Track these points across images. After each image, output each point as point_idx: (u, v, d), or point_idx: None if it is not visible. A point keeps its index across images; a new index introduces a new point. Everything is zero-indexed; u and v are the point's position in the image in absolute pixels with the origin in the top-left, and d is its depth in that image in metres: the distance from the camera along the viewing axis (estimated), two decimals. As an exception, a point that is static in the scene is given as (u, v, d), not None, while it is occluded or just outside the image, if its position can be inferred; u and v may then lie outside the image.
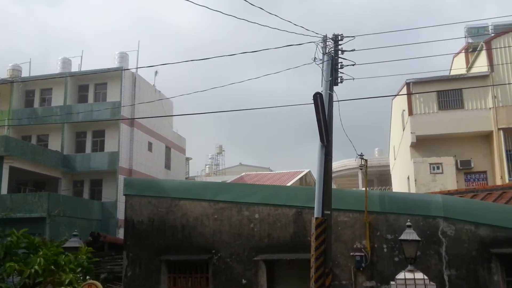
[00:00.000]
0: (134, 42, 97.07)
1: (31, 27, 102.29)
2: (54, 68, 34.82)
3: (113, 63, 33.67)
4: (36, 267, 7.92)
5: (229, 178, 38.51)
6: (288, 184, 25.49)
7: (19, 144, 28.01)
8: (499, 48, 23.17)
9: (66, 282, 8.17)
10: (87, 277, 9.22)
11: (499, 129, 22.67)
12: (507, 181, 21.18)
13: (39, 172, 28.89)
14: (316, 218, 9.21)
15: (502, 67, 23.10)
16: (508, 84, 22.80)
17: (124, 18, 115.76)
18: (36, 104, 33.44)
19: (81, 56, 37.00)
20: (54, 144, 31.79)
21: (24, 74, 34.56)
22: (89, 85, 33.09)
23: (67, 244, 10.95)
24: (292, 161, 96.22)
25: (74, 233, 11.76)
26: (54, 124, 31.37)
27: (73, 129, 32.43)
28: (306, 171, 31.21)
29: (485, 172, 23.23)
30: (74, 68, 34.31)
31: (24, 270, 7.91)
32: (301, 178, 29.71)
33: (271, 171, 44.82)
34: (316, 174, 9.79)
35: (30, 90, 33.76)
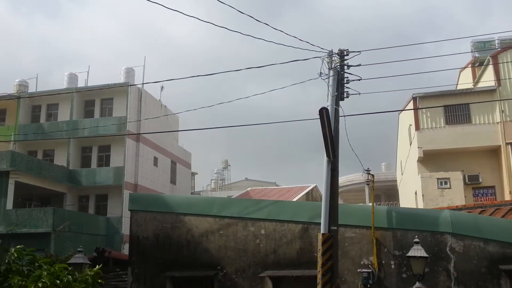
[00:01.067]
0: (137, 55, 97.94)
1: (33, 40, 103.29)
2: (57, 82, 35.19)
3: (119, 79, 33.90)
4: (40, 284, 7.82)
5: (234, 193, 38.40)
6: (294, 199, 25.34)
7: (25, 159, 28.11)
8: (506, 62, 23.11)
9: None
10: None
11: (507, 143, 22.49)
12: (515, 196, 20.94)
13: (45, 187, 28.93)
14: (323, 234, 9.10)
15: (509, 82, 23.01)
16: (516, 98, 22.70)
17: (125, 32, 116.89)
18: (43, 119, 33.65)
19: (88, 72, 37.13)
20: (60, 159, 31.90)
21: (31, 89, 34.85)
22: (95, 100, 33.30)
23: (72, 260, 10.86)
24: (298, 175, 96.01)
25: (79, 249, 11.69)
26: (60, 139, 31.53)
27: (79, 144, 32.54)
28: (312, 186, 31.06)
29: (493, 187, 23.00)
30: (81, 83, 34.60)
31: (28, 285, 7.82)
32: (307, 193, 29.54)
33: (277, 186, 44.68)
34: (322, 189, 9.70)
35: (37, 106, 34.00)
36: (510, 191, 22.00)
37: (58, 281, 8.01)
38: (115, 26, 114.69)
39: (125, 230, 27.50)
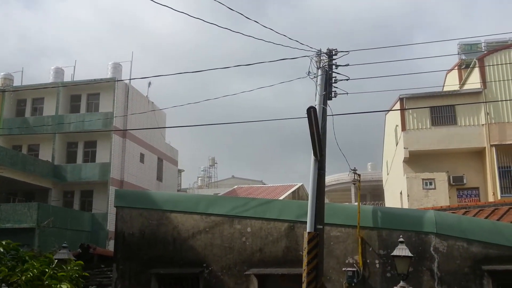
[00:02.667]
0: (117, 48, 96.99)
1: (10, 31, 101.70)
2: (42, 76, 34.83)
3: (106, 74, 33.64)
4: (23, 277, 7.76)
5: (221, 191, 38.39)
6: (281, 198, 25.40)
7: (10, 154, 27.77)
8: (492, 65, 23.39)
9: None
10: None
11: (491, 145, 22.80)
12: (499, 197, 21.23)
13: (29, 182, 28.63)
14: (309, 233, 9.14)
15: (494, 84, 23.31)
16: (501, 101, 23.00)
17: (105, 24, 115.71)
18: (28, 113, 33.27)
19: (74, 66, 36.82)
20: (45, 154, 31.58)
21: (16, 83, 34.43)
22: (81, 95, 33.02)
23: (56, 256, 10.76)
24: (284, 174, 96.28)
25: (64, 244, 11.59)
26: (46, 134, 31.19)
27: (64, 139, 32.23)
28: (299, 185, 31.17)
29: (477, 188, 23.30)
30: (67, 78, 34.26)
31: (13, 276, 7.74)
32: (293, 192, 29.64)
33: (264, 184, 44.74)
34: (309, 188, 9.74)
35: (22, 99, 33.61)
36: (493, 193, 22.30)
37: (43, 276, 7.96)
38: (95, 19, 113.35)
39: (111, 226, 27.34)
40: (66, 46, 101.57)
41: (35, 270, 7.76)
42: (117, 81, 31.28)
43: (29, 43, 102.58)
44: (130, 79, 31.87)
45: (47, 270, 7.90)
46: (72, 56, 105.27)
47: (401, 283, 8.86)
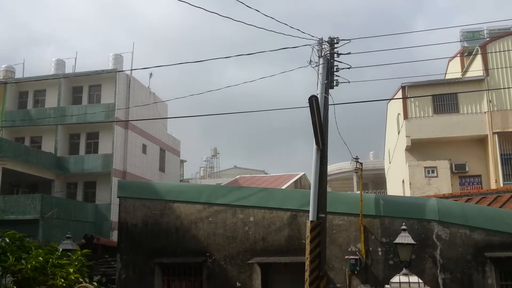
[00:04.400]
0: (106, 33, 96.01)
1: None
2: (43, 68, 34.79)
3: (107, 65, 33.57)
4: (29, 265, 7.85)
5: (224, 181, 38.45)
6: (283, 187, 25.45)
7: (12, 146, 27.84)
8: (494, 52, 23.25)
9: (62, 283, 8.06)
10: (80, 279, 9.13)
11: (494, 133, 22.73)
12: (501, 185, 21.21)
13: (32, 174, 28.72)
14: (311, 221, 9.18)
15: (497, 72, 23.18)
16: (503, 88, 22.89)
17: (102, 14, 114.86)
18: (30, 105, 33.29)
19: (75, 58, 36.73)
20: (48, 146, 31.63)
21: (18, 75, 34.39)
22: (83, 86, 32.98)
23: (60, 246, 10.84)
24: (286, 162, 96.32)
25: (67, 235, 11.67)
26: (48, 126, 31.24)
27: (66, 131, 32.27)
28: (301, 174, 31.20)
29: (479, 176, 23.27)
30: (68, 70, 34.23)
31: (16, 266, 7.83)
32: (296, 181, 29.68)
33: (266, 173, 44.79)
34: (311, 177, 9.76)
35: (24, 92, 33.60)
36: (496, 180, 22.28)
37: (47, 264, 8.04)
38: (89, 7, 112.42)
39: (114, 217, 27.45)
40: (55, 33, 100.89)
41: (40, 258, 7.84)
42: (118, 71, 31.21)
43: (18, 30, 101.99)
44: (131, 69, 31.87)
45: (51, 258, 7.98)
46: (60, 43, 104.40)
47: (404, 271, 8.91)
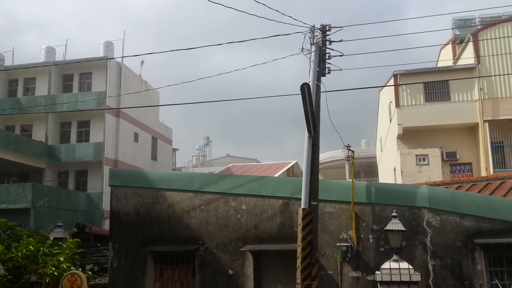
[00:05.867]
0: (90, 20, 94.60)
1: None
2: (33, 56, 34.34)
3: (98, 53, 33.28)
4: (19, 253, 7.83)
5: (216, 169, 38.46)
6: (276, 175, 25.50)
7: (3, 134, 27.61)
8: (486, 40, 23.30)
9: (53, 271, 8.05)
10: (72, 268, 9.13)
11: (484, 121, 22.86)
12: (491, 172, 21.40)
13: (23, 163, 28.55)
14: (303, 209, 9.21)
15: (488, 59, 23.26)
16: (494, 76, 22.98)
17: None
18: (20, 93, 32.98)
19: (66, 45, 36.34)
20: (38, 134, 31.42)
21: (7, 63, 34.01)
22: (73, 74, 32.71)
23: (52, 235, 10.81)
24: (279, 152, 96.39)
25: (59, 223, 11.62)
26: (38, 114, 31.00)
27: (57, 119, 32.04)
28: (293, 162, 31.28)
29: (470, 163, 23.45)
30: (58, 58, 33.87)
31: (6, 254, 7.81)
32: (288, 169, 29.76)
33: (258, 162, 44.84)
34: (303, 165, 9.77)
35: (13, 80, 33.26)
36: (486, 168, 22.46)
37: (38, 252, 8.02)
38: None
39: (106, 206, 27.39)
40: (38, 19, 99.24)
41: (31, 247, 7.82)
42: (109, 59, 30.95)
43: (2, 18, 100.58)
44: (122, 57, 31.63)
45: (42, 247, 7.96)
46: (44, 29, 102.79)
47: (394, 257, 8.98)
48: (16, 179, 29.95)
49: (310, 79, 10.04)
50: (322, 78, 10.33)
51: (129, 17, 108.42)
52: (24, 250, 7.93)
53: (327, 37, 10.49)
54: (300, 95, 9.12)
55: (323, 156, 43.36)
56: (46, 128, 31.12)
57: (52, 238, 9.31)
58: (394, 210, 9.65)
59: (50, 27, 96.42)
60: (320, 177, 10.93)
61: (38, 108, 30.68)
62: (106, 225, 23.92)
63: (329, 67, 10.55)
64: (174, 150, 43.99)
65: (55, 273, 8.21)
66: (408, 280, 8.64)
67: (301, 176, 9.79)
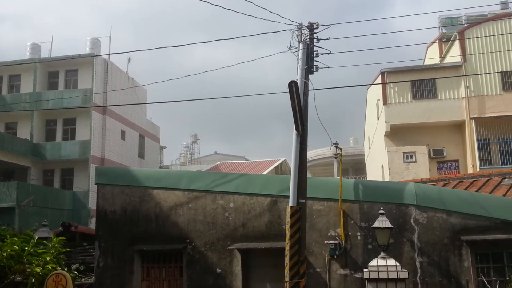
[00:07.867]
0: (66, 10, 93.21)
1: None
2: (18, 52, 33.84)
3: (84, 49, 32.95)
4: (4, 253, 7.70)
5: (204, 167, 38.35)
6: (264, 173, 25.49)
7: (-13, 132, 27.21)
8: (472, 38, 23.49)
9: (39, 271, 7.93)
10: (57, 268, 9.00)
11: (471, 118, 23.07)
12: (478, 169, 21.60)
13: (8, 161, 28.16)
14: (291, 207, 9.18)
15: (474, 57, 23.45)
16: (480, 74, 23.18)
17: None
18: (4, 91, 32.51)
19: (51, 42, 35.89)
20: (23, 132, 31.01)
21: (-9, 60, 33.51)
22: (59, 71, 32.31)
23: (37, 234, 10.66)
24: (267, 148, 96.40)
25: (44, 222, 11.47)
26: (23, 112, 30.59)
27: (43, 117, 31.66)
28: (281, 160, 31.30)
29: (457, 161, 23.65)
30: (44, 54, 33.44)
31: None
32: (276, 167, 29.77)
33: (247, 160, 44.79)
34: (291, 162, 9.74)
35: (-2, 77, 32.79)
36: (473, 165, 22.67)
37: (23, 252, 7.90)
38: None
39: (92, 204, 27.14)
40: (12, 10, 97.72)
41: (15, 247, 7.70)
42: (95, 56, 30.64)
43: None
44: (109, 54, 31.26)
45: (27, 247, 7.83)
46: (18, 19, 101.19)
47: (382, 254, 9.00)
48: (1, 177, 29.54)
49: (298, 77, 10.02)
50: (310, 76, 10.31)
51: (110, 9, 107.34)
52: (8, 250, 7.80)
53: (315, 35, 10.47)
54: (288, 93, 9.08)
55: (312, 153, 43.45)
56: (31, 125, 30.72)
57: (37, 238, 9.17)
58: (381, 208, 9.67)
59: (24, 19, 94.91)
60: (308, 175, 10.91)
61: (23, 106, 30.27)
62: (93, 224, 23.70)
63: (316, 65, 10.53)
64: (162, 148, 43.75)
65: (40, 273, 8.09)
66: (396, 277, 8.67)
67: (289, 174, 9.76)
